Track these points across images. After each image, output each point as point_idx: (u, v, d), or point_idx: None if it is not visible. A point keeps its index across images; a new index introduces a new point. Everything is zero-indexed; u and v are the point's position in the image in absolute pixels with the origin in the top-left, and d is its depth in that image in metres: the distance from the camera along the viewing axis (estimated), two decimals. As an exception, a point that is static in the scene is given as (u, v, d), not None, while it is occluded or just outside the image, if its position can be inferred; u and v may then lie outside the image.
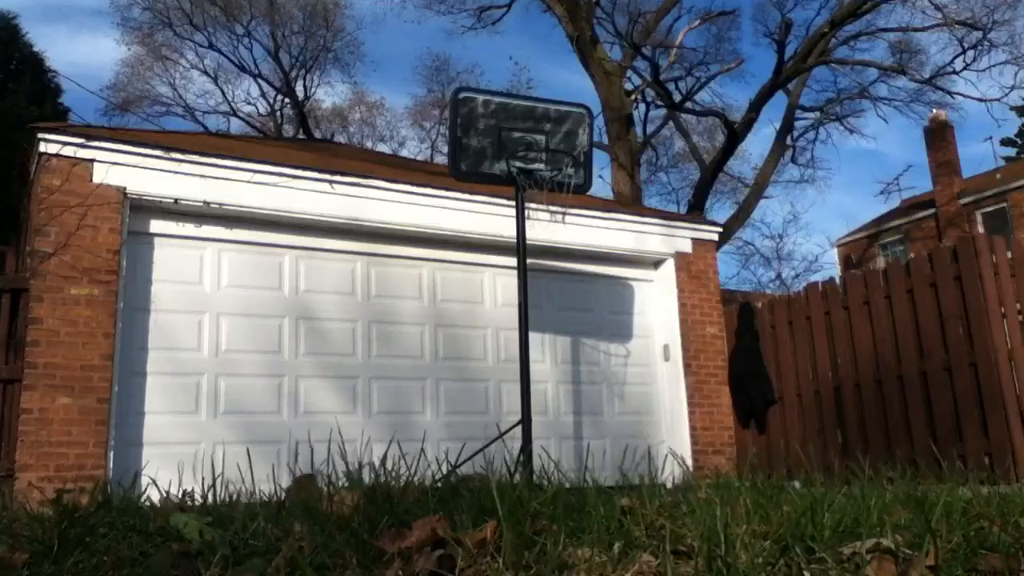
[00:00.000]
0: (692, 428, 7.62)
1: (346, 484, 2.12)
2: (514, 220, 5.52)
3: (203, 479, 2.32)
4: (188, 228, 6.18)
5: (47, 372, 5.34)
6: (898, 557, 1.39)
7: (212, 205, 6.15)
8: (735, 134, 16.17)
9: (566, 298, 7.55)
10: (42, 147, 5.71)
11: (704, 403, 7.75)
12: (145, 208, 6.00)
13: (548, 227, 6.78)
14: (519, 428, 5.04)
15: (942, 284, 6.40)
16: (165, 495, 2.23)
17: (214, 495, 2.21)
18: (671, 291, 7.90)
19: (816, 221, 47.02)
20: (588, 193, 6.62)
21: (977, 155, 66.54)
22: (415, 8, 19.43)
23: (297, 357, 6.40)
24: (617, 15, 17.73)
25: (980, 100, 17.08)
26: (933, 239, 24.73)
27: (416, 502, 1.84)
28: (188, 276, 6.15)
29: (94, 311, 5.55)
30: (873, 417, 6.77)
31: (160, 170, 6.01)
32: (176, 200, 6.04)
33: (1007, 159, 31.23)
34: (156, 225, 6.09)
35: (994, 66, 16.78)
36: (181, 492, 2.24)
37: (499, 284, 7.33)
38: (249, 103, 24.25)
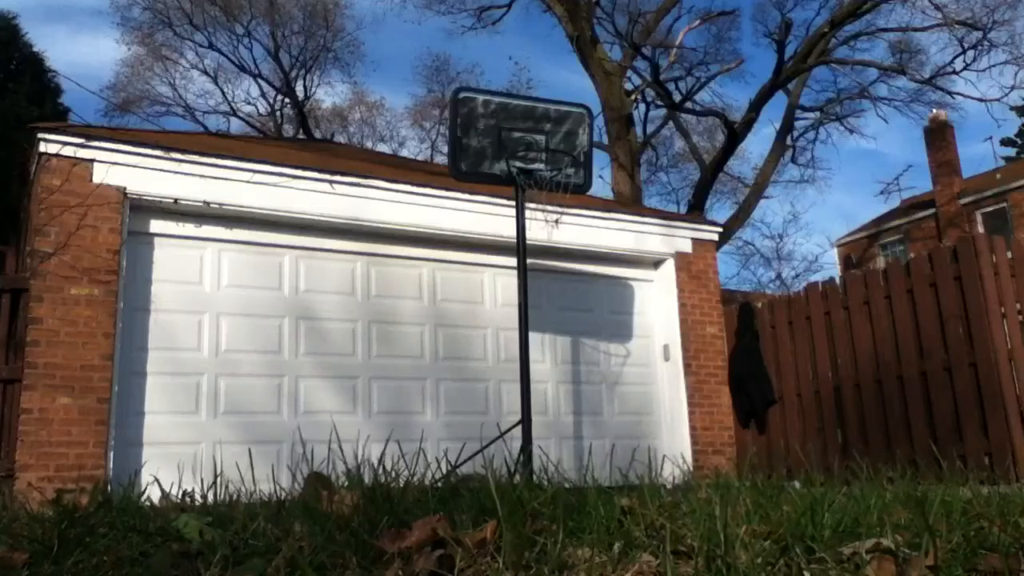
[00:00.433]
0: (692, 428, 7.62)
1: (346, 484, 2.12)
2: (514, 220, 5.52)
3: (203, 479, 2.32)
4: (188, 228, 6.18)
5: (47, 372, 5.34)
6: (898, 557, 1.39)
7: (212, 205, 6.15)
8: (735, 134, 16.17)
9: (566, 298, 7.55)
10: (42, 147, 5.71)
11: (704, 403, 7.76)
12: (145, 208, 6.00)
13: (548, 227, 6.78)
14: (519, 428, 5.04)
15: (942, 284, 6.40)
16: (165, 495, 2.23)
17: (214, 495, 2.21)
18: (671, 291, 7.90)
19: (816, 221, 47.05)
20: (588, 193, 6.62)
21: (977, 155, 66.56)
22: (415, 8, 19.46)
23: (297, 357, 6.40)
24: (617, 15, 17.75)
25: (980, 100, 17.09)
26: (933, 239, 24.73)
27: (416, 502, 1.84)
28: (188, 276, 6.15)
29: (94, 311, 5.55)
30: (873, 417, 6.78)
31: (160, 170, 6.01)
32: (176, 200, 6.04)
33: (1007, 159, 31.23)
34: (156, 225, 6.09)
35: (994, 66, 16.79)
36: (181, 492, 2.24)
37: (499, 284, 7.33)
38: (249, 103, 24.26)
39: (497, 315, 7.24)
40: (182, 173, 6.08)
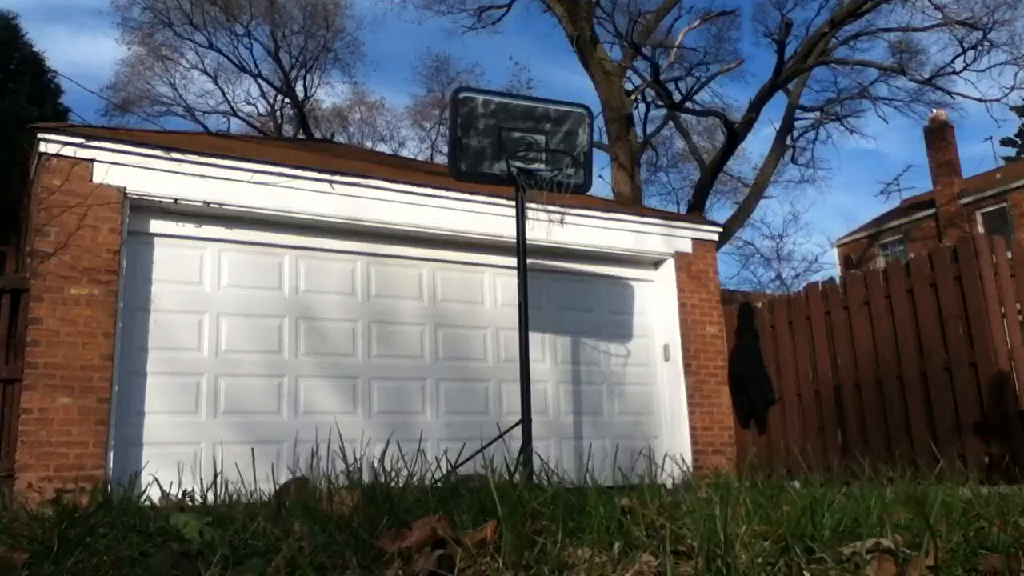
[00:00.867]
0: (692, 428, 7.62)
1: (346, 484, 2.12)
2: (514, 220, 5.52)
3: (203, 479, 2.32)
4: (188, 228, 6.18)
5: (47, 372, 5.34)
6: (898, 557, 1.39)
7: (212, 205, 6.15)
8: (735, 134, 16.17)
9: (566, 298, 7.55)
10: (42, 147, 5.71)
11: (704, 403, 7.76)
12: (145, 208, 6.01)
13: (548, 227, 6.78)
14: (519, 428, 5.04)
15: (942, 284, 6.40)
16: (165, 495, 2.23)
17: (214, 495, 2.21)
18: (671, 291, 7.90)
19: (816, 221, 47.03)
20: (588, 193, 6.62)
21: (977, 155, 66.56)
22: (415, 8, 19.45)
23: (297, 357, 6.40)
24: (617, 15, 17.74)
25: (980, 100, 17.09)
26: (933, 239, 24.73)
27: (416, 502, 1.84)
28: (188, 276, 6.15)
29: (94, 311, 5.56)
30: (873, 417, 6.78)
31: (160, 170, 6.01)
32: (176, 200, 6.04)
33: (1007, 159, 31.23)
34: (156, 225, 6.09)
35: (994, 66, 16.79)
36: (181, 492, 2.24)
37: (499, 284, 7.33)
38: (249, 103, 24.29)
39: (497, 315, 7.24)
40: (182, 173, 6.08)
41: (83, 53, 37.21)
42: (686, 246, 8.09)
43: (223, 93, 22.76)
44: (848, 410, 7.00)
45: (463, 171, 5.46)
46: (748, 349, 7.88)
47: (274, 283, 6.47)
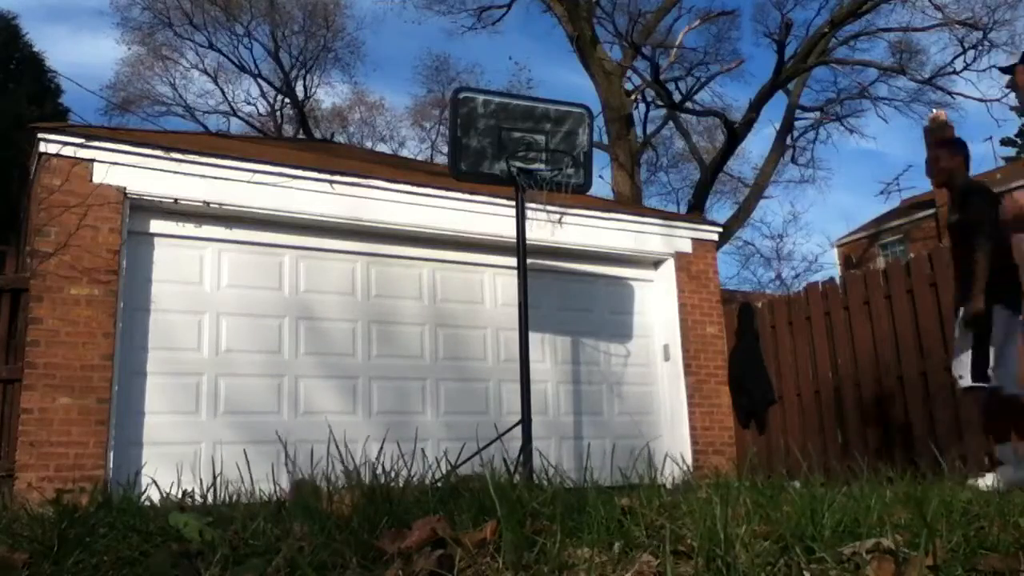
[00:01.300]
0: (692, 428, 7.62)
1: (346, 484, 2.12)
2: (514, 220, 5.52)
3: (203, 479, 2.32)
4: (188, 228, 6.18)
5: (47, 372, 5.34)
6: (898, 557, 1.39)
7: (212, 205, 6.15)
8: (735, 134, 16.17)
9: (566, 298, 7.55)
10: (42, 147, 5.71)
11: (704, 403, 7.76)
12: (145, 208, 6.01)
13: (548, 227, 6.78)
14: (519, 428, 5.04)
15: (942, 284, 6.40)
16: (165, 495, 2.23)
17: (214, 495, 2.21)
18: (671, 291, 7.90)
19: (816, 221, 47.07)
20: (588, 193, 6.62)
21: (977, 155, 66.50)
22: (415, 8, 19.41)
23: (297, 357, 6.40)
24: (617, 15, 17.75)
25: (980, 100, 17.10)
26: (933, 239, 24.71)
27: (416, 502, 1.84)
28: (188, 276, 6.15)
29: (94, 311, 5.55)
30: (873, 417, 6.77)
31: (160, 170, 6.01)
32: (176, 200, 6.04)
33: (1007, 159, 31.22)
34: (156, 225, 6.09)
35: (994, 66, 16.77)
36: (181, 492, 2.24)
37: (499, 284, 7.33)
38: (249, 103, 24.29)
39: (497, 315, 7.24)
40: (182, 173, 6.08)
41: (83, 53, 37.23)
42: (686, 246, 8.09)
43: (223, 93, 22.79)
44: (848, 410, 7.00)
45: (463, 171, 5.46)
46: (748, 349, 7.88)
47: (274, 283, 6.47)
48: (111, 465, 5.40)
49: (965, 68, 16.57)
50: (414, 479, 2.20)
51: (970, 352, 4.40)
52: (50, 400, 5.31)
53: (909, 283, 6.65)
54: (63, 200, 5.65)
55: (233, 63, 21.79)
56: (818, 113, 18.72)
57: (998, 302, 4.39)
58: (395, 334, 6.82)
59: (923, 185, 27.45)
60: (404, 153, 23.15)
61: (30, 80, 11.61)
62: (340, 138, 23.48)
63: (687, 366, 7.75)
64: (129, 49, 21.77)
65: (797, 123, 18.27)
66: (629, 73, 17.15)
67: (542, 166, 5.49)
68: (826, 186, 48.78)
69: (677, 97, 18.10)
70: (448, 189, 6.93)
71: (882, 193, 42.48)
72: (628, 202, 13.55)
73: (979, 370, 4.35)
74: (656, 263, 8.06)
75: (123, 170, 5.88)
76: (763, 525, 1.58)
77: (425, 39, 52.62)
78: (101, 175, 5.80)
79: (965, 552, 1.45)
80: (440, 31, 47.71)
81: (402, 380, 6.75)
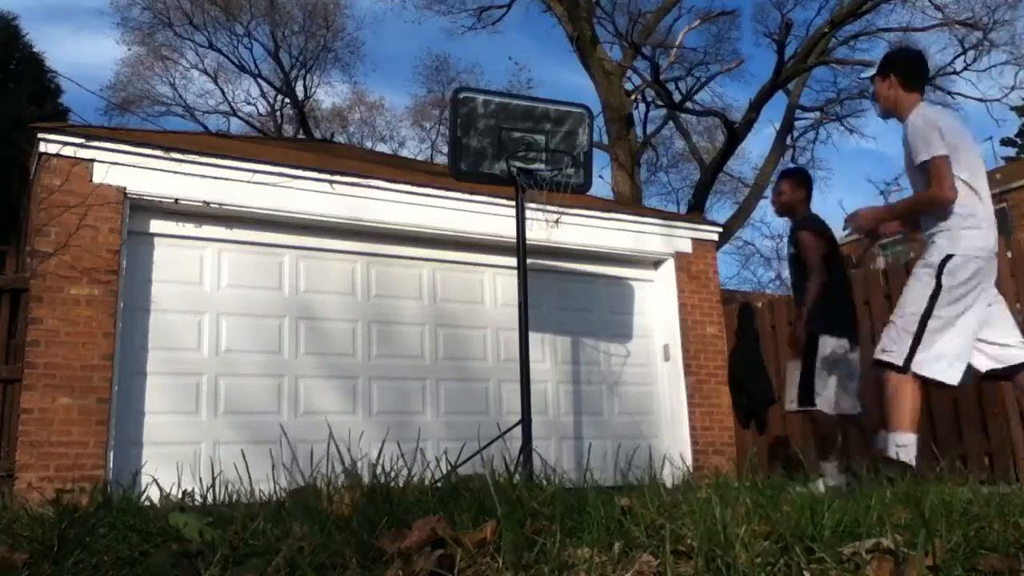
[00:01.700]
0: (692, 428, 7.62)
1: (346, 484, 2.12)
2: (514, 220, 5.52)
3: (203, 479, 2.32)
4: (188, 228, 6.18)
5: (47, 372, 5.34)
6: (898, 557, 1.39)
7: (212, 205, 6.15)
8: (735, 134, 16.17)
9: (566, 298, 7.55)
10: (42, 147, 5.71)
11: (704, 403, 7.76)
12: (145, 208, 6.01)
13: (548, 227, 6.78)
14: (519, 428, 5.04)
15: (942, 284, 6.39)
16: (165, 495, 2.23)
17: (214, 495, 2.21)
18: (671, 291, 7.90)
19: (816, 221, 46.90)
20: (588, 193, 6.62)
21: (977, 155, 66.37)
22: (415, 8, 19.42)
23: (297, 357, 6.40)
24: (617, 15, 17.75)
25: (980, 100, 17.10)
26: (933, 239, 24.64)
27: (416, 502, 1.84)
28: (188, 276, 6.15)
29: (94, 311, 5.56)
30: (872, 417, 6.77)
31: (160, 170, 6.01)
32: (176, 200, 6.04)
33: (1007, 159, 31.21)
34: (156, 225, 6.10)
35: (994, 66, 16.79)
36: (181, 492, 2.24)
37: (499, 284, 7.33)
38: (249, 103, 24.31)
39: (497, 315, 7.24)
40: (182, 173, 6.08)
41: (84, 53, 37.24)
42: (686, 246, 8.09)
43: (223, 93, 22.80)
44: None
45: (463, 171, 5.46)
46: (748, 349, 7.88)
47: (274, 283, 6.47)
48: (111, 465, 5.40)
49: (965, 68, 16.57)
50: (414, 479, 2.20)
51: (798, 379, 4.75)
52: (50, 400, 5.31)
53: (909, 283, 6.65)
54: (63, 200, 5.65)
55: (233, 63, 21.82)
56: (818, 113, 18.72)
57: (826, 333, 4.77)
58: (395, 334, 6.82)
59: (923, 185, 27.43)
60: (404, 153, 23.17)
61: (30, 80, 11.61)
62: (340, 138, 23.49)
63: (687, 366, 7.75)
64: (129, 49, 21.80)
65: (797, 123, 18.28)
66: (629, 73, 17.15)
67: (542, 166, 5.49)
68: (826, 186, 48.66)
69: (677, 97, 18.11)
70: (448, 189, 6.93)
71: (882, 193, 42.42)
72: (628, 202, 13.55)
73: (806, 394, 4.71)
74: (656, 263, 8.06)
75: (123, 170, 5.88)
76: (763, 525, 1.58)
77: (425, 39, 52.62)
78: (101, 175, 5.80)
79: (965, 552, 1.45)
80: (440, 31, 47.71)
81: (402, 380, 6.75)
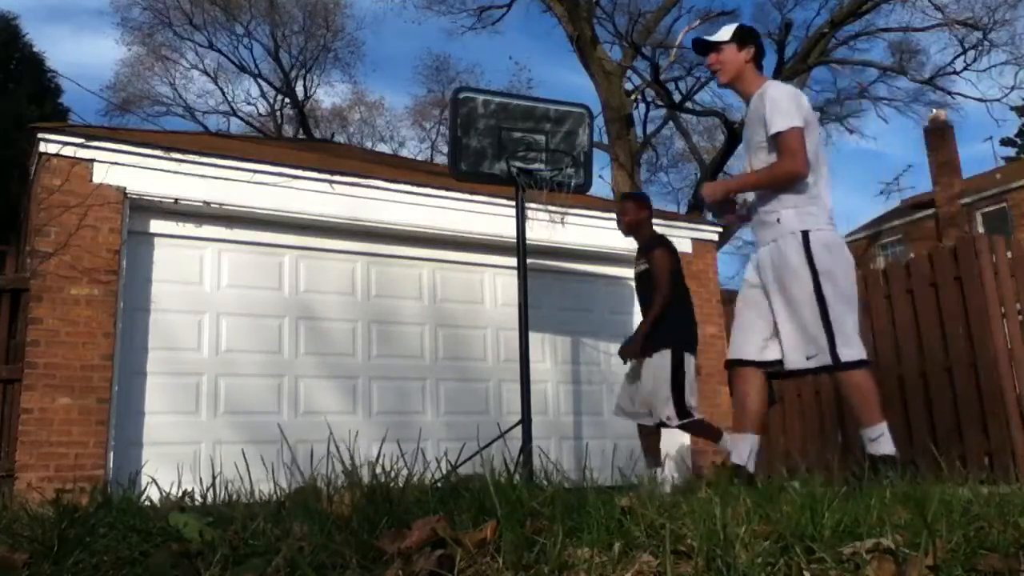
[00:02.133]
0: (692, 428, 7.61)
1: (346, 484, 2.12)
2: (514, 220, 5.52)
3: (203, 479, 2.32)
4: (188, 228, 6.18)
5: (47, 372, 5.34)
6: (898, 557, 1.39)
7: (212, 205, 6.15)
8: (735, 134, 16.17)
9: (566, 298, 7.55)
10: (42, 147, 5.71)
11: (704, 403, 7.74)
12: (145, 208, 6.01)
13: (548, 227, 6.78)
14: (519, 428, 5.04)
15: (942, 284, 6.40)
16: (165, 495, 2.23)
17: (214, 495, 2.21)
18: (671, 291, 7.89)
19: (816, 221, 46.88)
20: (588, 193, 6.62)
21: (977, 155, 66.58)
22: (415, 8, 19.45)
23: (297, 357, 6.40)
24: (617, 15, 17.77)
25: (980, 100, 17.12)
26: (933, 239, 24.71)
27: (416, 502, 1.84)
28: (188, 276, 6.15)
29: (94, 311, 5.55)
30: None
31: (160, 170, 6.01)
32: (176, 200, 6.04)
33: (1007, 159, 31.23)
34: (156, 225, 6.10)
35: (994, 66, 16.84)
36: (181, 492, 2.24)
37: (499, 284, 7.33)
38: (249, 103, 24.35)
39: (497, 315, 7.24)
40: (182, 173, 6.08)
41: (84, 53, 37.26)
42: (686, 246, 8.09)
43: (223, 93, 22.82)
44: (848, 410, 6.99)
45: (463, 171, 5.46)
46: (748, 349, 7.88)
47: (274, 283, 6.47)
48: (111, 465, 5.40)
49: (965, 68, 16.60)
50: (414, 479, 2.20)
51: (671, 397, 4.90)
52: (50, 400, 5.31)
53: (909, 283, 6.65)
54: (63, 200, 5.65)
55: (233, 63, 21.82)
56: (818, 113, 18.69)
57: (688, 351, 5.02)
58: (395, 334, 6.82)
59: (923, 185, 27.50)
60: (404, 153, 23.17)
61: (30, 80, 11.60)
62: (340, 138, 23.50)
63: (687, 366, 7.74)
64: (129, 49, 21.82)
65: (797, 123, 18.23)
66: (629, 73, 17.17)
67: (542, 166, 5.49)
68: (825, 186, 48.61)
69: (677, 97, 18.12)
70: (448, 189, 6.93)
71: (882, 193, 42.48)
72: (628, 202, 13.53)
73: (682, 409, 4.90)
74: (656, 263, 8.05)
75: (123, 170, 5.88)
76: (763, 525, 1.58)
77: (425, 39, 52.69)
78: (101, 175, 5.80)
79: (965, 552, 1.45)
80: (440, 31, 47.78)
81: (402, 380, 6.75)
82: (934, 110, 22.40)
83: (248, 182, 6.29)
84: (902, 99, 18.06)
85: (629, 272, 7.97)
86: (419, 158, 21.06)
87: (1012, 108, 23.70)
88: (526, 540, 1.46)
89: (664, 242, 5.28)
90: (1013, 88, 16.84)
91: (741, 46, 3.62)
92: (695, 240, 8.16)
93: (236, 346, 6.19)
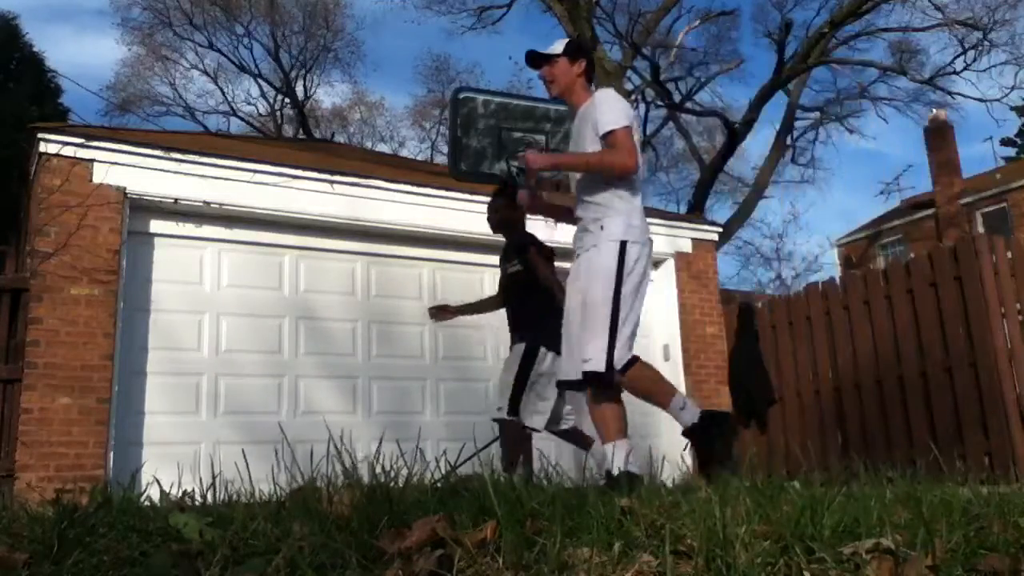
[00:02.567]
0: (692, 428, 7.60)
1: (346, 484, 2.12)
2: (514, 220, 5.50)
3: (203, 479, 2.32)
4: (188, 228, 6.18)
5: (47, 372, 5.34)
6: (898, 557, 1.39)
7: (212, 205, 6.15)
8: (735, 134, 16.19)
9: (566, 298, 7.54)
10: (42, 147, 5.71)
11: (704, 403, 7.74)
12: (145, 208, 6.01)
13: (549, 227, 6.76)
14: (519, 428, 5.02)
15: (942, 284, 6.40)
16: (165, 495, 2.23)
17: (214, 495, 2.21)
18: (671, 291, 7.90)
19: (816, 221, 47.09)
20: (588, 193, 6.61)
21: (977, 155, 66.59)
22: (415, 8, 19.45)
23: (297, 357, 6.40)
24: (617, 15, 17.76)
25: (980, 100, 17.11)
26: (933, 239, 24.70)
27: (416, 502, 1.84)
28: (188, 276, 6.15)
29: (94, 311, 5.55)
30: (873, 417, 6.78)
31: (160, 170, 6.01)
32: (176, 200, 6.04)
33: (1007, 159, 31.23)
34: (156, 225, 6.10)
35: (994, 66, 16.81)
36: (181, 492, 2.24)
37: (499, 284, 7.31)
38: (249, 103, 24.29)
39: (497, 315, 7.22)
40: (182, 173, 6.08)
41: (84, 53, 37.26)
42: (686, 246, 8.09)
43: (223, 93, 22.79)
44: (848, 410, 7.00)
45: (463, 171, 5.44)
46: (748, 349, 7.88)
47: (274, 283, 6.47)
48: (111, 465, 5.40)
49: (965, 68, 16.59)
50: (414, 479, 2.19)
51: (511, 388, 4.76)
52: (50, 400, 5.31)
53: (909, 283, 6.65)
54: (63, 200, 5.65)
55: (233, 63, 21.80)
56: (818, 113, 18.73)
57: (550, 347, 4.79)
58: (395, 334, 6.82)
59: (923, 185, 27.50)
60: (404, 153, 23.14)
61: (30, 80, 11.59)
62: (340, 138, 23.47)
63: (687, 366, 7.74)
64: (129, 49, 21.78)
65: (797, 123, 18.29)
66: (629, 73, 17.16)
67: (542, 166, 5.48)
68: (826, 186, 48.86)
69: (677, 97, 18.13)
70: (448, 189, 6.93)
71: (882, 193, 42.45)
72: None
73: (514, 404, 4.75)
74: (656, 263, 8.05)
75: (123, 170, 5.88)
76: (763, 525, 1.58)
77: (425, 39, 52.67)
78: (101, 175, 5.80)
79: (965, 552, 1.45)
80: (440, 31, 47.78)
81: (402, 380, 6.75)
82: (934, 110, 22.38)
83: (248, 182, 6.29)
84: (902, 99, 18.08)
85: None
86: (419, 158, 21.05)
87: (1012, 108, 23.68)
88: (526, 540, 1.46)
89: (536, 241, 5.15)
90: (1013, 88, 16.84)
91: (573, 60, 3.65)
92: (695, 240, 8.16)
93: (236, 346, 6.19)
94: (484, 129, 5.45)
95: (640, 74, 17.60)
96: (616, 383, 3.40)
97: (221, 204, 6.18)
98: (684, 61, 18.36)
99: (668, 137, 22.23)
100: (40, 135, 5.74)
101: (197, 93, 26.08)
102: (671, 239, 8.04)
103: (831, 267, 27.97)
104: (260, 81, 22.36)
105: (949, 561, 1.39)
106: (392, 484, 2.01)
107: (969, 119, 61.99)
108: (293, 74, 22.11)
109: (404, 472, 2.14)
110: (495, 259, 7.40)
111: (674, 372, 7.77)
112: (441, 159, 20.45)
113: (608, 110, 3.41)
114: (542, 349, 4.80)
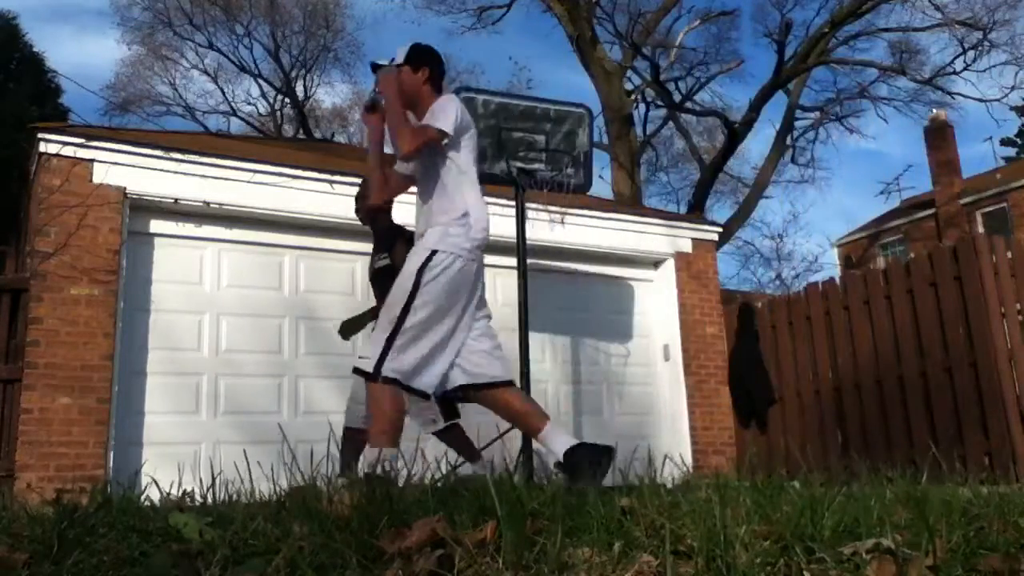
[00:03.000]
0: (692, 428, 7.62)
1: (345, 484, 2.12)
2: (514, 220, 5.52)
3: (203, 479, 2.32)
4: (188, 228, 6.18)
5: (47, 372, 5.34)
6: (898, 557, 1.39)
7: (212, 205, 6.15)
8: (735, 134, 16.18)
9: (566, 298, 7.55)
10: (42, 147, 5.71)
11: (704, 403, 7.75)
12: (145, 208, 6.01)
13: (548, 227, 6.78)
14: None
15: (942, 284, 6.40)
16: (165, 495, 2.23)
17: (214, 495, 2.21)
18: (671, 291, 7.90)
19: (816, 221, 47.09)
20: (588, 193, 6.62)
21: (977, 155, 66.59)
22: (415, 8, 19.45)
23: (297, 357, 6.40)
24: (617, 15, 17.75)
25: (980, 100, 17.12)
26: (933, 239, 24.70)
27: (416, 502, 1.84)
28: (188, 276, 6.15)
29: (94, 311, 5.56)
30: (873, 417, 6.78)
31: (160, 170, 6.01)
32: (176, 200, 6.04)
33: (1007, 159, 31.23)
34: (156, 225, 6.10)
35: (994, 66, 16.82)
36: (181, 492, 2.24)
37: (499, 284, 7.30)
38: (249, 103, 24.26)
39: (497, 315, 7.19)
40: (182, 173, 6.08)
41: (84, 53, 37.26)
42: (686, 246, 8.09)
43: (223, 93, 22.78)
44: (848, 410, 7.00)
45: (463, 171, 5.45)
46: (748, 349, 7.89)
47: (274, 283, 6.47)
48: (111, 465, 5.40)
49: (965, 68, 16.58)
50: (414, 479, 2.20)
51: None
52: (50, 400, 5.31)
53: (909, 283, 6.65)
54: (63, 200, 5.65)
55: (233, 63, 21.80)
56: (818, 113, 18.72)
57: None
58: (395, 334, 6.81)
59: (923, 185, 27.51)
60: (404, 153, 23.07)
61: (30, 80, 11.58)
62: (340, 138, 23.45)
63: (687, 366, 7.75)
64: (129, 49, 21.78)
65: (797, 123, 18.28)
66: (629, 73, 17.17)
67: (542, 166, 5.49)
68: (826, 186, 48.77)
69: (677, 97, 18.13)
70: (448, 189, 6.92)
71: (882, 193, 42.45)
72: (628, 202, 13.55)
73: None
74: (656, 263, 8.06)
75: (123, 170, 5.88)
76: (763, 525, 1.58)
77: (425, 39, 52.17)
78: (101, 175, 5.80)
79: (965, 552, 1.45)
80: (440, 31, 47.58)
81: (402, 380, 6.74)
82: (934, 110, 22.38)
83: (248, 182, 6.29)
84: (902, 99, 18.05)
85: (629, 272, 7.99)
86: (419, 158, 20.98)
87: (1012, 108, 23.67)
88: (526, 540, 1.46)
89: (404, 233, 4.87)
90: (1013, 88, 16.84)
91: (416, 68, 3.58)
92: (695, 240, 8.16)
93: (236, 346, 6.19)
94: (484, 129, 5.46)
95: (640, 74, 17.60)
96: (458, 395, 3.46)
97: (221, 204, 6.18)
98: (684, 61, 18.36)
99: (668, 137, 22.22)
100: (40, 135, 5.74)
101: (197, 93, 26.10)
102: (671, 239, 8.04)
103: (831, 267, 27.97)
104: (260, 81, 22.37)
105: (949, 561, 1.39)
106: (392, 484, 2.01)
107: (969, 119, 61.96)
108: (293, 74, 22.12)
109: (404, 472, 2.14)
110: (495, 259, 7.40)
111: (674, 372, 7.77)
112: (441, 159, 20.39)
113: (439, 110, 3.40)
114: None
